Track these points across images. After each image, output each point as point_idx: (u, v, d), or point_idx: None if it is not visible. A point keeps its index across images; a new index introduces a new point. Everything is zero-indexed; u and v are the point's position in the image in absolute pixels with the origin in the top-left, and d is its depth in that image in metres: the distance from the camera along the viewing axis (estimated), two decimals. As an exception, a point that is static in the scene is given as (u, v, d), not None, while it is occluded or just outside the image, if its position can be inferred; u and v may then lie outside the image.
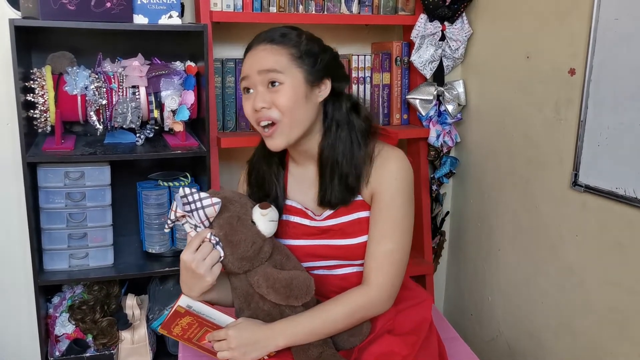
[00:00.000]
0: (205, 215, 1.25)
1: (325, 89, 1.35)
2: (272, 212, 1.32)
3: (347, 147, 1.35)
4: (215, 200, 1.25)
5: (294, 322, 1.30)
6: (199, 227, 1.28)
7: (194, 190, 1.25)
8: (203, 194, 1.25)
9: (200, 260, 1.24)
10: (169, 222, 1.29)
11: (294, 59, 1.30)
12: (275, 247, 1.35)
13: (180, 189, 1.25)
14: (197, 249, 1.25)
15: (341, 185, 1.34)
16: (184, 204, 1.25)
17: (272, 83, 1.29)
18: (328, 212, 1.39)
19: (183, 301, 1.27)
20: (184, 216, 1.27)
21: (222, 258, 1.27)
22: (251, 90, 1.32)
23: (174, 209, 1.27)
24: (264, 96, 1.29)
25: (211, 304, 1.32)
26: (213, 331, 1.31)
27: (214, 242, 1.26)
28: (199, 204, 1.24)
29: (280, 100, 1.28)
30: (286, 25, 1.37)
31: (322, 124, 1.37)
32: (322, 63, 1.33)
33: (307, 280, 1.31)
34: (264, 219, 1.31)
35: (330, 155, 1.35)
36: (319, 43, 1.37)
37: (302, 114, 1.30)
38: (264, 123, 1.30)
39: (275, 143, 1.31)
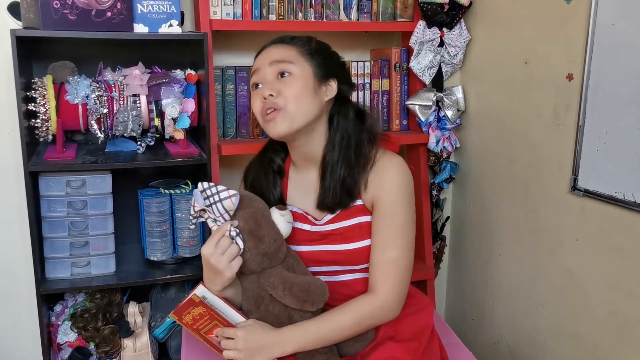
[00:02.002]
0: (224, 208, 1.27)
1: (332, 90, 1.38)
2: (289, 214, 1.37)
3: (348, 152, 1.37)
4: (232, 192, 1.27)
5: (302, 329, 1.31)
6: (219, 221, 1.28)
7: (211, 184, 1.27)
8: (220, 187, 1.27)
9: (219, 254, 1.26)
10: (191, 218, 1.30)
11: (303, 54, 1.35)
12: (287, 250, 1.36)
13: (199, 183, 1.26)
14: (217, 244, 1.26)
15: (339, 188, 1.36)
16: (204, 198, 1.26)
17: (282, 74, 1.33)
18: (329, 217, 1.40)
19: (200, 291, 1.28)
20: (204, 210, 1.28)
21: (241, 251, 1.28)
22: (260, 85, 1.35)
23: (193, 204, 1.28)
24: (273, 85, 1.33)
25: (227, 299, 1.33)
26: (222, 326, 1.32)
27: (234, 233, 1.27)
28: (216, 197, 1.26)
29: (288, 89, 1.31)
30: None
31: (327, 129, 1.39)
32: (330, 62, 1.38)
33: (323, 286, 1.33)
34: (283, 219, 1.34)
35: (331, 158, 1.37)
36: (327, 46, 1.43)
37: (308, 105, 1.32)
38: (270, 111, 1.32)
39: (277, 129, 1.32)
